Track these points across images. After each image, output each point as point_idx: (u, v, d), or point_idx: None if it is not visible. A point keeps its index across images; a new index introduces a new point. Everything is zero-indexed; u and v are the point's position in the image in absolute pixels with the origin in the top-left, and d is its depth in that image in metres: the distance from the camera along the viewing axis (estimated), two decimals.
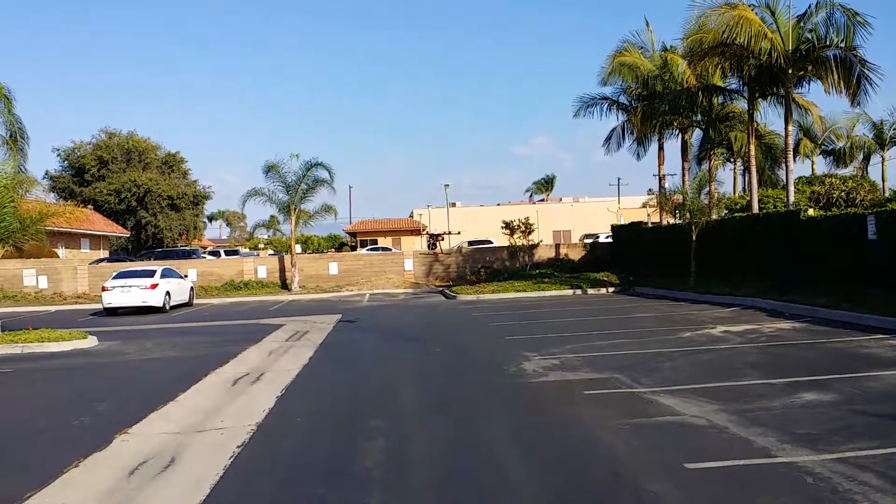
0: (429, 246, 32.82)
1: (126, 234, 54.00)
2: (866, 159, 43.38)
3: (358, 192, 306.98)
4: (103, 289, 25.73)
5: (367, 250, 49.19)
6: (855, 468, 5.72)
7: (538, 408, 8.61)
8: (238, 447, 7.17)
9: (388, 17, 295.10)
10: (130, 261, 39.14)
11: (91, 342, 16.31)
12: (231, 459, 6.76)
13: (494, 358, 12.36)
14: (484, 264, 36.51)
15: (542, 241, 37.56)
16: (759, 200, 26.78)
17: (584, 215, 65.10)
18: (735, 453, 6.32)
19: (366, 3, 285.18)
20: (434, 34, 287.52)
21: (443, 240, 37.05)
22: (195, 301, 30.09)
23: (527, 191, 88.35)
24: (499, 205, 70.91)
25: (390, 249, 48.67)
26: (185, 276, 31.10)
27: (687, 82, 27.38)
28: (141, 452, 7.10)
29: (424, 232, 52.04)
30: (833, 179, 29.45)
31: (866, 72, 22.03)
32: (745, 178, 34.93)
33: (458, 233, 53.34)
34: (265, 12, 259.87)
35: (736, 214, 27.03)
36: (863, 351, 11.34)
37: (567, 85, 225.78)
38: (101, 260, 40.38)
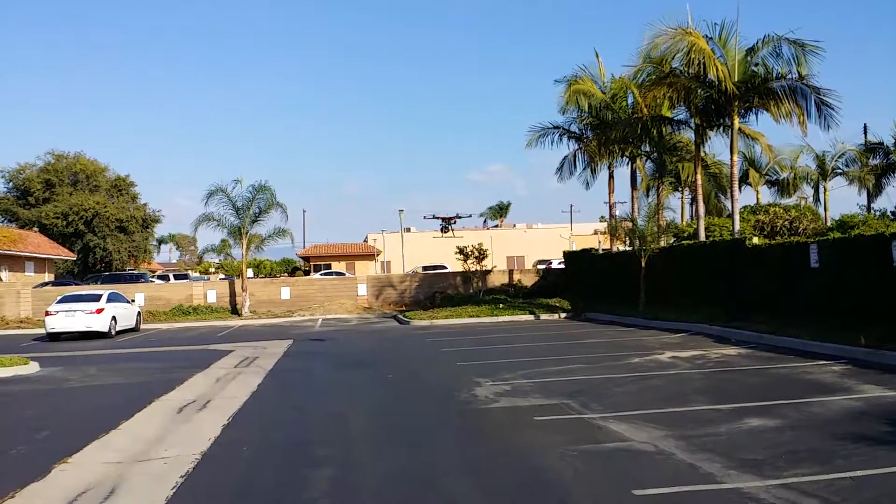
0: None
1: (72, 257, 52.74)
2: (815, 189, 44.57)
3: (312, 217, 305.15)
4: (47, 313, 25.08)
5: (321, 275, 48.83)
6: (799, 493, 5.81)
7: (488, 434, 8.59)
8: (181, 477, 7.00)
9: (344, 42, 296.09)
10: (76, 285, 38.19)
11: (32, 368, 15.82)
12: (174, 490, 6.59)
13: (446, 384, 12.32)
14: (438, 289, 36.50)
15: (495, 266, 37.67)
16: (706, 228, 27.32)
17: (538, 241, 65.65)
18: (682, 480, 6.37)
19: (322, 27, 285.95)
20: (391, 61, 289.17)
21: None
22: (142, 326, 29.45)
23: (481, 215, 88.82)
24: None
25: (344, 274, 48.41)
26: (133, 300, 30.48)
27: (637, 112, 27.87)
28: (80, 483, 6.89)
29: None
30: (777, 209, 30.10)
31: (823, 98, 22.09)
32: (692, 207, 35.71)
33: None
34: (217, 35, 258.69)
35: (684, 242, 27.48)
36: (807, 377, 11.56)
37: (523, 113, 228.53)
38: (46, 283, 39.35)
